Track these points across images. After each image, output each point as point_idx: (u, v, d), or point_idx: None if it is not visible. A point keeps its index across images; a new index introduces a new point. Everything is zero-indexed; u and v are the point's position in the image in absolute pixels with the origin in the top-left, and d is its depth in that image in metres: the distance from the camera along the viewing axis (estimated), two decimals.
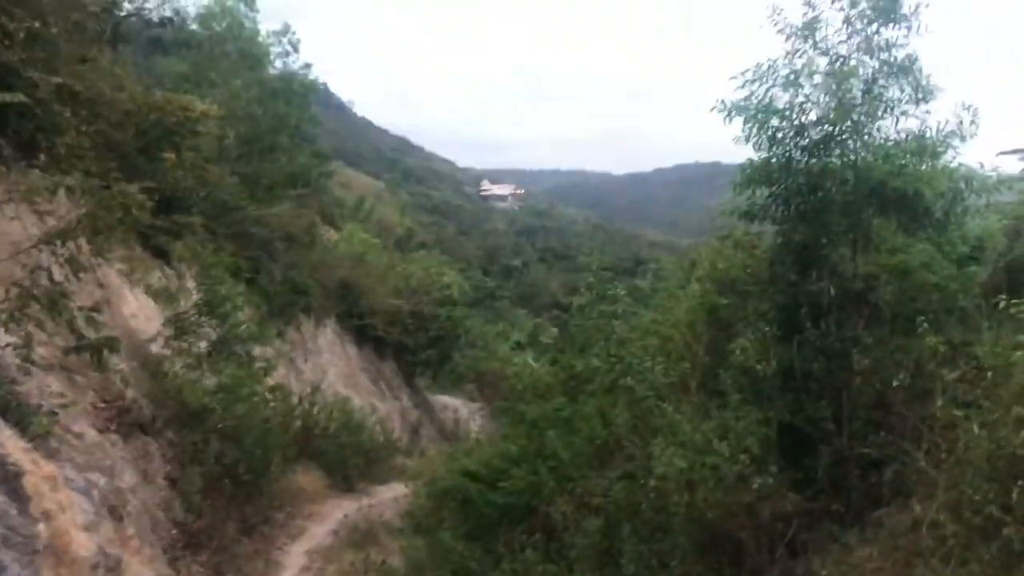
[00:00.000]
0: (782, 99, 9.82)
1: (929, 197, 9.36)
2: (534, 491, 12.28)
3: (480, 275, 78.42)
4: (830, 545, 8.43)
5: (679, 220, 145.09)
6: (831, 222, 9.90)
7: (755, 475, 8.60)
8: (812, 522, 8.85)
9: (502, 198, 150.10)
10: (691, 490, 8.63)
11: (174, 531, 12.38)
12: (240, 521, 14.66)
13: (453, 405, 40.80)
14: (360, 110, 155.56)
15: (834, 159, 9.80)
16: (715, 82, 12.09)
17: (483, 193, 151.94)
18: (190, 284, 17.42)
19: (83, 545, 8.64)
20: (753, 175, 10.10)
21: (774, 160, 10.00)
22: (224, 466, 14.42)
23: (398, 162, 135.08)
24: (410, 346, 36.59)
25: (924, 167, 9.55)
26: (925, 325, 8.32)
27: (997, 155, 12.64)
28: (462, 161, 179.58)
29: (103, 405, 12.92)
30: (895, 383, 8.28)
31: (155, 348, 15.91)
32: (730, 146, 10.12)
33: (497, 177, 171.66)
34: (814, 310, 10.03)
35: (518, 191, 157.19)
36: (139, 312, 17.56)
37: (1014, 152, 14.80)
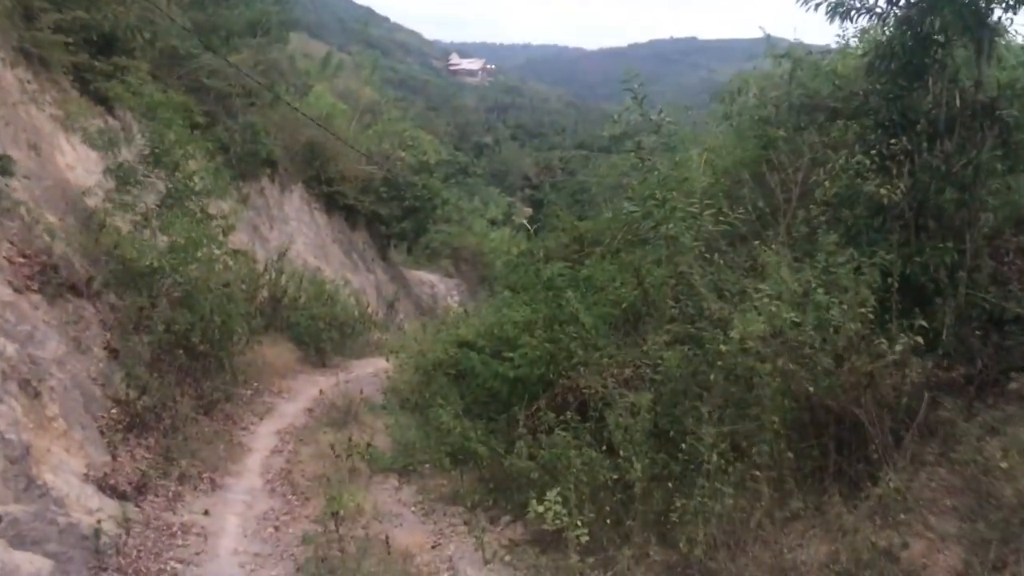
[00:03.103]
0: None
1: None
2: (551, 361, 10.20)
3: (452, 150, 75.25)
4: (968, 425, 6.44)
5: (654, 97, 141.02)
6: (957, 10, 7.55)
7: (874, 336, 6.53)
8: (937, 395, 6.84)
9: (472, 73, 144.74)
10: (788, 356, 6.54)
11: (114, 410, 10.19)
12: (196, 398, 12.48)
13: (430, 280, 38.60)
14: None
15: None
16: None
17: (452, 67, 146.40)
18: (136, 132, 14.84)
19: None
20: None
21: None
22: (176, 335, 12.16)
23: (362, 33, 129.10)
24: (384, 217, 34.03)
25: None
26: None
27: None
28: (429, 34, 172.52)
29: (21, 260, 10.56)
30: None
31: (94, 202, 13.49)
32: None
33: (466, 51, 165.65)
34: (930, 128, 7.81)
35: (488, 66, 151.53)
36: (77, 163, 15.09)
37: None
